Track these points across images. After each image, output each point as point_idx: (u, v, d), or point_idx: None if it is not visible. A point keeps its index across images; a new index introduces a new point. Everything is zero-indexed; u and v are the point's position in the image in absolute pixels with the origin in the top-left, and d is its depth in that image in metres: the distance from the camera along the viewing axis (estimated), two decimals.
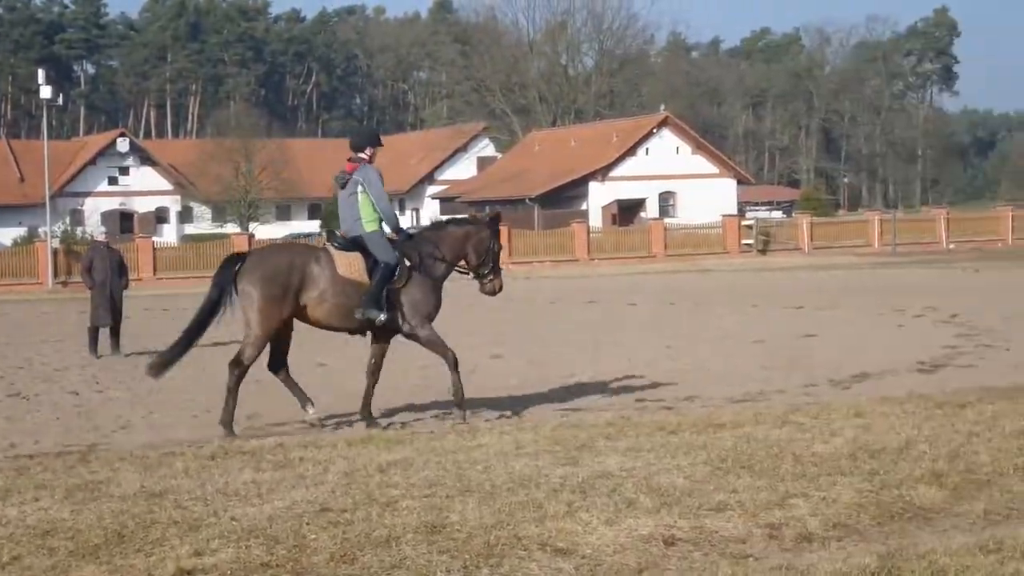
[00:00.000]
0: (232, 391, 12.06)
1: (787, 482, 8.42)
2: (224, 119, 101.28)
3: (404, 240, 12.67)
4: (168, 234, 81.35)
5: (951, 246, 59.95)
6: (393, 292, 12.36)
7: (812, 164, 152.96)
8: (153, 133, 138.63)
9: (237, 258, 12.48)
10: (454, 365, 12.55)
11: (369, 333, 12.65)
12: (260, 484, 8.71)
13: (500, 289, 13.23)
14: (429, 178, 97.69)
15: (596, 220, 73.10)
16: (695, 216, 67.16)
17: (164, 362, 12.40)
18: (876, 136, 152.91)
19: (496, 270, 13.11)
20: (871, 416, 11.13)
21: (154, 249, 53.68)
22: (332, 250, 12.45)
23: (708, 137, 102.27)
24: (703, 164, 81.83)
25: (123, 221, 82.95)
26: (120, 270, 21.77)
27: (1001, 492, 8.09)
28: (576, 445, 10.06)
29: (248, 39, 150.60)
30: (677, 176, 79.58)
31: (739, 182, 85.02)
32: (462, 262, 12.98)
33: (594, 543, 7.12)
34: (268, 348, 12.44)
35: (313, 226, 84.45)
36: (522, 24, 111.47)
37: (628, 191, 78.82)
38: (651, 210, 77.78)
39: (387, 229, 12.63)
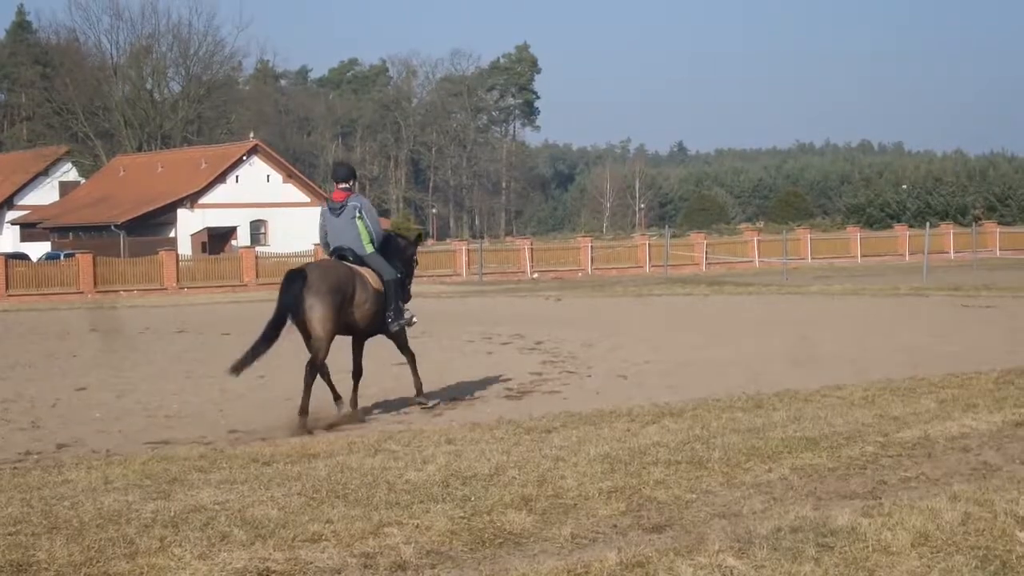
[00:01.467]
0: (308, 387, 13.79)
1: (381, 511, 8.48)
2: None
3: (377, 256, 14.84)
4: None
5: (535, 275, 62.06)
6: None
7: (401, 194, 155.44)
8: None
9: (299, 273, 14.09)
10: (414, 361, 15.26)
11: (352, 338, 14.89)
12: None
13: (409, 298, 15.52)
14: (8, 203, 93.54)
15: (186, 248, 71.94)
16: (287, 244, 67.05)
17: (243, 363, 13.78)
18: (463, 168, 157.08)
19: (410, 281, 15.61)
20: (462, 443, 11.36)
21: None
22: (357, 266, 14.52)
23: (299, 166, 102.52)
24: (294, 192, 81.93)
25: None
26: None
27: (587, 516, 8.39)
28: (168, 479, 9.84)
29: None
30: (268, 204, 79.34)
31: None
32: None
33: None
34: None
35: None
36: (105, 47, 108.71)
37: (219, 219, 78.01)
38: (242, 238, 77.17)
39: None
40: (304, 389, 13.83)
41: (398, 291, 14.84)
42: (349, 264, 14.53)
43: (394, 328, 14.85)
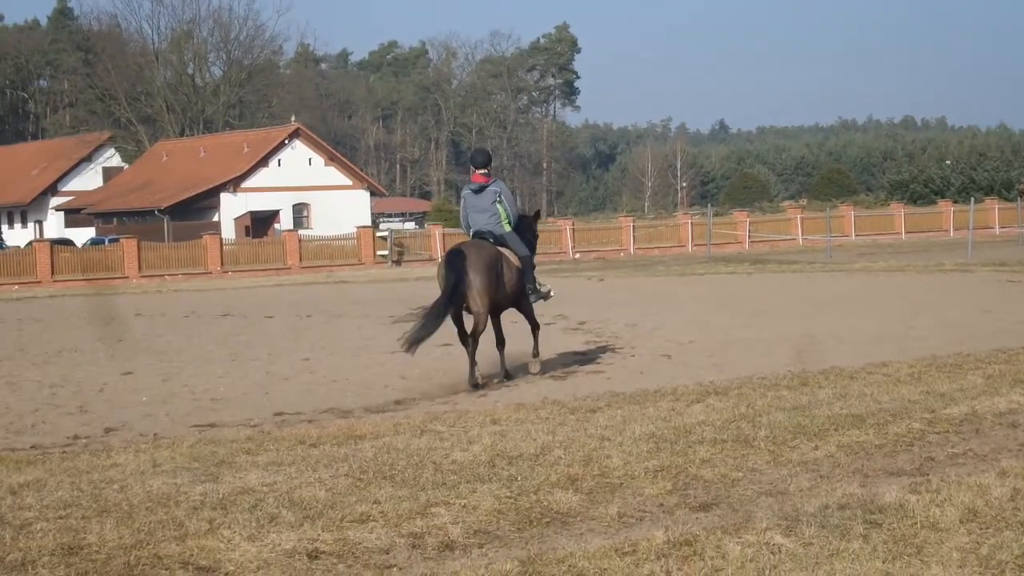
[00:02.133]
0: (472, 356, 15.33)
1: (428, 491, 8.52)
2: None
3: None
4: None
5: (577, 255, 62.00)
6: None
7: (442, 176, 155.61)
8: None
9: (459, 252, 15.41)
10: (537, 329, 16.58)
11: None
12: None
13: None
14: (52, 189, 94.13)
15: (229, 232, 72.23)
16: (329, 227, 67.25)
17: (417, 339, 14.91)
18: (503, 149, 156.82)
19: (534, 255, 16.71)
20: (507, 423, 11.38)
21: None
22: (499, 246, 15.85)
23: (340, 149, 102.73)
24: (336, 176, 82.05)
25: None
26: None
27: (633, 495, 8.39)
28: (215, 461, 9.90)
29: None
30: (311, 188, 79.55)
31: (372, 193, 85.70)
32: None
33: (237, 560, 7.02)
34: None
35: None
36: (147, 32, 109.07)
37: (262, 202, 78.25)
38: (285, 222, 77.41)
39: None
40: (469, 359, 15.42)
41: (531, 266, 16.28)
42: (493, 244, 15.81)
43: (534, 300, 16.29)
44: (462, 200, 16.56)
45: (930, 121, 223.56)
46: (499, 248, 15.80)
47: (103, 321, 29.94)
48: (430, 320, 15.00)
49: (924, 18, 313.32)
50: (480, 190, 15.95)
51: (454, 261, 15.32)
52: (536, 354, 16.41)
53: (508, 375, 16.04)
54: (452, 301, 15.20)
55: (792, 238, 66.95)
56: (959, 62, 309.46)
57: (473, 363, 15.35)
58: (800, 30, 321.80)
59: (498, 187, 15.99)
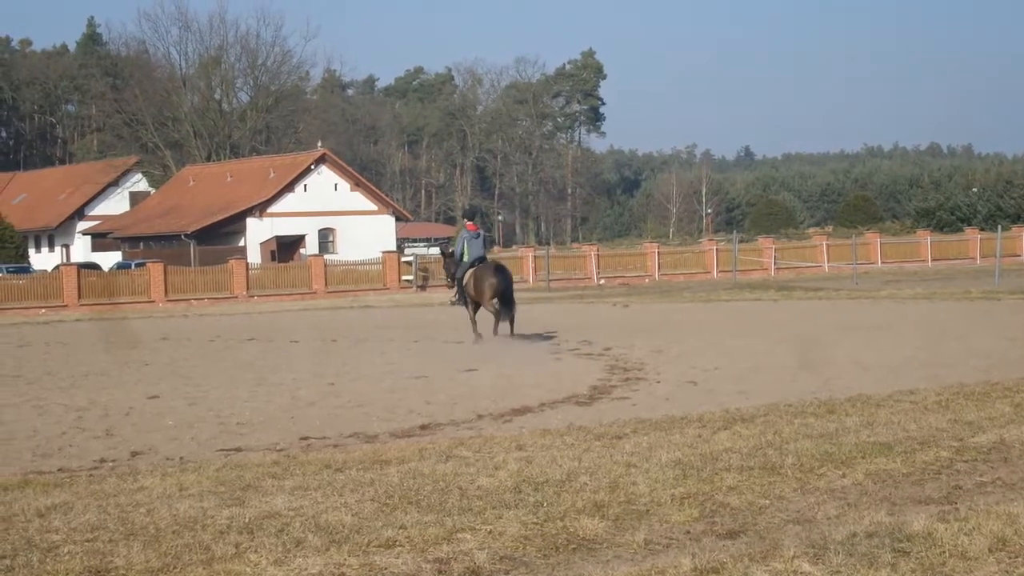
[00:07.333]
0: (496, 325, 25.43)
1: (454, 516, 8.52)
2: None
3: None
4: None
5: (602, 281, 61.96)
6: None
7: (468, 201, 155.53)
8: None
9: (499, 265, 26.06)
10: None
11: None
12: None
13: None
14: (79, 213, 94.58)
15: (255, 256, 72.46)
16: (355, 252, 67.41)
17: (495, 330, 25.40)
18: (528, 175, 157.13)
19: None
20: (533, 449, 11.37)
21: None
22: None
23: (366, 174, 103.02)
24: (362, 201, 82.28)
25: None
26: None
27: (660, 522, 8.37)
28: (242, 485, 9.92)
29: None
30: (336, 213, 79.79)
31: (397, 219, 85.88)
32: None
33: None
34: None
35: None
36: (174, 58, 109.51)
37: (287, 227, 78.52)
38: (311, 246, 77.64)
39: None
40: (495, 330, 25.26)
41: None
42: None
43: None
44: (462, 240, 26.12)
45: (956, 148, 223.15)
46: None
47: (129, 345, 30.04)
48: (505, 309, 24.79)
49: (950, 45, 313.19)
50: (476, 236, 26.13)
51: (501, 272, 25.29)
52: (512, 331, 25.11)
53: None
54: (509, 301, 24.84)
55: (818, 265, 66.79)
56: (985, 89, 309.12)
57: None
58: (825, 56, 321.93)
59: (483, 232, 27.65)
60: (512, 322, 24.89)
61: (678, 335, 26.59)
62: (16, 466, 12.07)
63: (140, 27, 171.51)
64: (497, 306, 24.81)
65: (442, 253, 29.68)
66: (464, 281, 25.86)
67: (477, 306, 25.67)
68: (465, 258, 25.80)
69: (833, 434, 11.66)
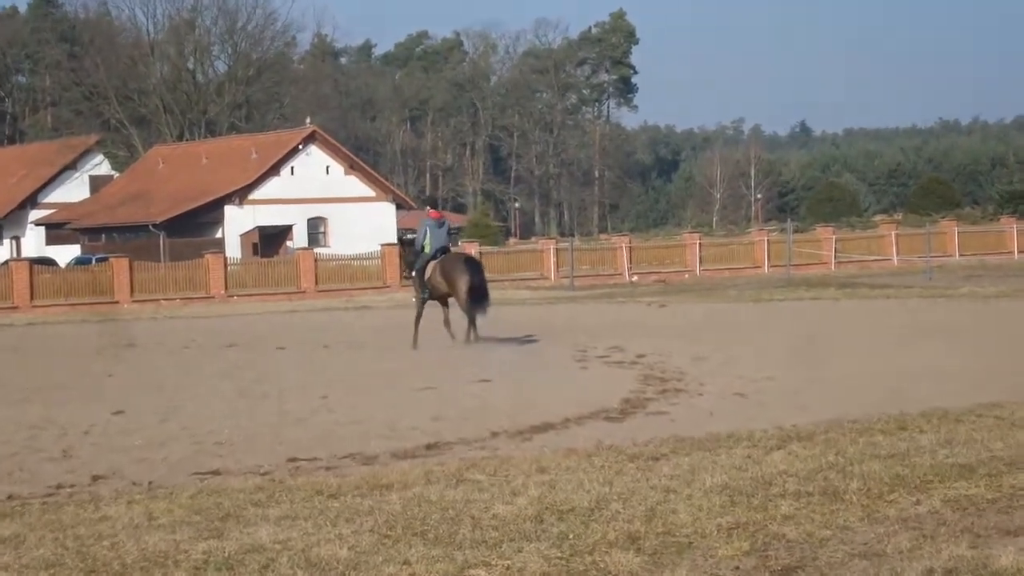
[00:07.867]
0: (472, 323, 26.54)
1: (466, 550, 8.51)
2: None
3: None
4: None
5: (634, 278, 61.93)
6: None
7: (479, 186, 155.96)
8: None
9: (470, 257, 28.18)
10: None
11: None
12: None
13: None
14: (32, 201, 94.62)
15: (235, 250, 72.61)
16: (350, 245, 67.43)
17: (470, 332, 26.37)
18: (549, 156, 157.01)
19: None
20: (557, 471, 11.36)
21: None
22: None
23: (362, 155, 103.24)
24: (358, 186, 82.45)
25: None
26: None
27: (704, 556, 8.36)
28: (220, 515, 9.94)
29: None
30: (328, 199, 79.91)
31: (399, 206, 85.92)
32: None
33: None
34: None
35: None
36: (141, 22, 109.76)
37: (272, 217, 78.72)
38: (299, 239, 77.75)
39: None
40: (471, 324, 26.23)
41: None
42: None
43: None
44: (425, 228, 27.24)
45: None
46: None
47: (90, 352, 30.09)
48: (479, 305, 26.03)
49: None
50: (440, 224, 27.56)
51: (474, 263, 27.32)
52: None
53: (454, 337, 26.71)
54: (481, 294, 26.03)
55: (886, 258, 66.72)
56: None
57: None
58: (894, 18, 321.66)
59: (446, 221, 29.10)
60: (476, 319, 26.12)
61: (723, 340, 26.58)
62: None
63: None
64: (469, 303, 26.01)
65: (400, 241, 32.15)
66: (426, 274, 26.86)
67: (443, 301, 27.21)
68: (427, 249, 26.89)
69: (905, 454, 11.64)
